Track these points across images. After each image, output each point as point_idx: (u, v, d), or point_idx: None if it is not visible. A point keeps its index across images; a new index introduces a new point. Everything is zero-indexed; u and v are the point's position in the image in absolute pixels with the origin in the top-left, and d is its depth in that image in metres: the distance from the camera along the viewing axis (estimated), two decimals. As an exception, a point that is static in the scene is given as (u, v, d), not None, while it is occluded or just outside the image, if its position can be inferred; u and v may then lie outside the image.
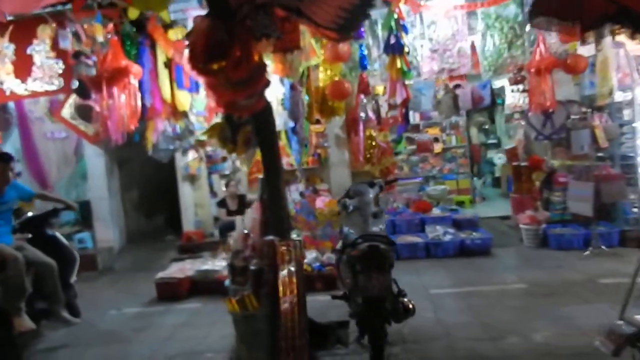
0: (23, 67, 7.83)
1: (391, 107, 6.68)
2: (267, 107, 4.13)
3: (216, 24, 3.53)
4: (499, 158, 12.60)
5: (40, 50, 7.79)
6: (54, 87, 7.81)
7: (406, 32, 6.47)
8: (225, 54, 3.50)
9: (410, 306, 3.53)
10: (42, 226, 5.14)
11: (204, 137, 7.85)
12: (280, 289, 3.93)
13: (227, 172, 8.75)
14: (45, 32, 7.77)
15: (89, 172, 8.68)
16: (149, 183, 9.62)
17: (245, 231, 4.60)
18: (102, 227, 8.23)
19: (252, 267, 4.07)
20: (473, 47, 7.44)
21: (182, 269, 6.21)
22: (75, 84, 6.56)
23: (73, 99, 8.06)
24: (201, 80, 3.74)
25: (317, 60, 5.44)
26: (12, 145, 9.13)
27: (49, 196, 5.41)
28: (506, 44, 7.40)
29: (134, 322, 5.31)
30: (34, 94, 8.03)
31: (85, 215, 8.68)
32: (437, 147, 9.67)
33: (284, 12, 3.63)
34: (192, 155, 8.07)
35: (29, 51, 7.78)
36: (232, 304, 3.95)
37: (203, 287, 5.99)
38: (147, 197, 9.69)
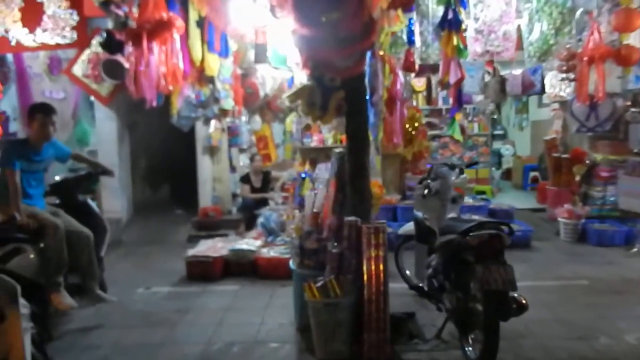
0: (32, 15, 7.09)
1: (443, 86, 6.28)
2: (362, 72, 3.71)
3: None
4: (506, 149, 12.44)
5: (52, -1, 7.12)
6: (66, 40, 7.10)
7: (464, 7, 6.07)
8: (341, 5, 3.06)
9: (524, 301, 3.18)
10: (74, 191, 4.59)
11: (229, 107, 7.40)
12: (365, 275, 3.56)
13: (244, 147, 8.25)
14: (59, -22, 7.09)
15: (99, 136, 8.02)
16: (157, 151, 9.03)
17: (315, 210, 4.19)
18: (110, 197, 7.62)
19: (333, 251, 3.66)
20: (519, 30, 7.13)
21: (214, 247, 5.74)
22: (102, 36, 5.94)
23: (87, 54, 7.41)
24: (299, 32, 3.26)
25: (400, 26, 4.99)
26: (9, 102, 8.35)
27: (86, 158, 4.83)
28: (554, 30, 7.09)
29: (170, 302, 4.83)
30: (43, 46, 7.30)
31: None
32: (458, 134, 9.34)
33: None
34: (214, 125, 7.52)
35: (38, -1, 7.10)
36: (311, 291, 3.54)
37: (237, 267, 5.54)
38: (155, 166, 9.09)
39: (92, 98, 10.65)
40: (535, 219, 7.63)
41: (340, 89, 3.57)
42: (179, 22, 5.46)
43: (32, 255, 3.79)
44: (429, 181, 4.08)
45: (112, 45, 5.96)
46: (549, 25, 7.11)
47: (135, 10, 5.88)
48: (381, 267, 3.52)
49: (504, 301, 3.02)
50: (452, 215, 4.10)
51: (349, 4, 3.06)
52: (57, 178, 4.73)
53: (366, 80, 4.89)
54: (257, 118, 9.18)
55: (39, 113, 4.11)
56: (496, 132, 13.11)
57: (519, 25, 7.16)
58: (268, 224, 6.17)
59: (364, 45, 3.35)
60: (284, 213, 6.42)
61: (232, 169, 7.98)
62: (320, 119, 3.72)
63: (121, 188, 7.82)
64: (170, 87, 5.49)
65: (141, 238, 7.38)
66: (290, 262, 4.18)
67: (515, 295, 3.18)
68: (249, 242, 5.80)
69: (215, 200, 7.71)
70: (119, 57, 6.02)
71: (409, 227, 4.65)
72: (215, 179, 7.73)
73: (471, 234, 3.18)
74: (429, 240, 4.05)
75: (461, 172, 4.31)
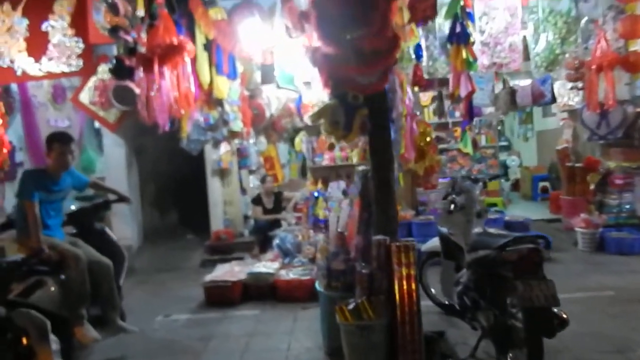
0: (37, 44, 7.07)
1: (452, 99, 6.25)
2: (384, 89, 3.68)
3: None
4: (512, 160, 12.40)
5: (57, 27, 7.10)
6: (72, 68, 7.07)
7: (472, 21, 6.08)
8: (366, 21, 3.03)
9: (565, 316, 3.10)
10: (91, 219, 4.51)
11: (237, 129, 7.35)
12: (397, 295, 3.47)
13: (253, 168, 8.20)
14: (63, 7, 7.08)
15: (107, 163, 7.96)
16: (165, 176, 8.96)
17: (340, 230, 4.12)
18: (120, 224, 7.53)
19: (363, 271, 3.58)
20: (524, 41, 7.14)
21: (231, 271, 5.64)
22: (112, 62, 5.90)
23: (93, 81, 7.38)
24: (321, 51, 3.22)
25: (415, 40, 4.98)
26: (14, 132, 8.31)
27: (103, 186, 4.77)
28: (560, 39, 7.10)
29: (191, 330, 4.72)
30: (49, 75, 7.27)
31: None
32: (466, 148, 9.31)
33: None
34: (224, 148, 7.47)
35: (44, 27, 7.03)
36: (343, 313, 3.44)
37: (255, 291, 5.44)
38: (163, 191, 9.02)
39: (98, 125, 10.66)
40: (551, 230, 7.55)
41: (363, 107, 3.52)
42: (190, 46, 5.45)
43: (53, 288, 3.70)
44: (454, 196, 4.01)
45: (121, 71, 5.96)
46: (554, 35, 7.13)
47: (143, 36, 5.90)
48: (413, 286, 3.44)
49: (548, 318, 2.93)
50: (477, 230, 4.03)
51: (374, 20, 3.03)
52: (73, 207, 4.65)
53: (386, 97, 4.87)
54: (262, 139, 9.15)
55: (57, 142, 4.05)
56: (500, 144, 13.08)
57: (524, 36, 7.18)
58: (284, 245, 6.09)
59: (387, 61, 3.31)
60: (299, 234, 6.35)
61: (243, 190, 7.91)
62: (344, 138, 3.65)
63: (131, 214, 7.74)
64: (182, 111, 5.47)
65: (154, 265, 7.28)
66: (316, 284, 4.10)
67: (556, 310, 3.10)
68: (267, 265, 5.71)
69: (226, 223, 7.63)
70: (129, 83, 6.00)
71: (433, 243, 4.58)
72: (226, 201, 7.66)
73: (508, 248, 3.11)
74: (457, 256, 3.98)
75: (485, 185, 4.25)
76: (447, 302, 4.23)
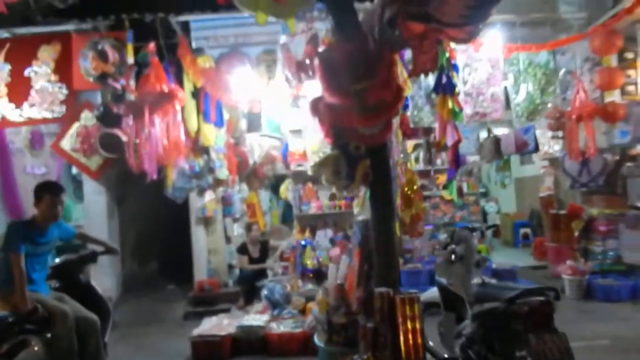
0: (19, 90, 6.97)
1: (438, 148, 6.32)
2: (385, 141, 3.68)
3: (361, 43, 3.09)
4: (490, 207, 12.55)
5: (40, 73, 7.01)
6: (54, 115, 6.99)
7: (457, 72, 6.23)
8: (372, 73, 3.05)
9: (576, 371, 3.04)
10: (76, 272, 4.32)
11: (223, 176, 7.27)
12: (403, 350, 3.37)
13: (237, 216, 8.07)
14: (48, 53, 7.02)
15: (87, 212, 7.73)
16: (145, 225, 8.74)
17: (339, 281, 4.03)
18: (99, 274, 7.20)
19: (368, 325, 3.47)
20: (505, 91, 7.35)
21: (219, 325, 5.43)
22: (99, 110, 5.81)
23: (75, 128, 7.24)
24: (325, 101, 3.22)
25: (408, 92, 5.04)
26: (-15, 179, 8.05)
27: (90, 237, 4.57)
28: (539, 90, 7.33)
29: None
30: (30, 121, 7.17)
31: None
32: (448, 194, 9.39)
33: (411, 21, 3.23)
34: (208, 196, 7.35)
35: (27, 73, 6.97)
36: (348, 370, 3.32)
37: (246, 346, 5.22)
38: (142, 241, 8.77)
39: (75, 172, 10.44)
40: (538, 277, 7.56)
41: (366, 157, 3.50)
42: (181, 94, 5.45)
43: (37, 348, 3.51)
44: (453, 246, 3.98)
45: (109, 118, 5.89)
46: (534, 85, 7.37)
47: (132, 83, 5.87)
48: (419, 340, 3.35)
49: (563, 373, 2.87)
50: (477, 280, 3.99)
51: (380, 72, 3.05)
52: (57, 260, 4.44)
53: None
54: (244, 186, 9.08)
55: (47, 193, 3.90)
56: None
57: (505, 87, 7.40)
58: (272, 297, 5.92)
59: (391, 113, 3.34)
60: (288, 284, 6.21)
61: (227, 239, 7.75)
62: (346, 189, 3.62)
63: (110, 264, 7.46)
64: (172, 160, 5.40)
65: (135, 318, 6.97)
66: (315, 338, 3.96)
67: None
68: (256, 317, 5.53)
69: (210, 273, 7.42)
70: (116, 130, 5.91)
71: (431, 293, 4.50)
72: (210, 250, 7.48)
73: (518, 301, 3.07)
74: (457, 307, 3.92)
75: (482, 234, 4.24)
76: (446, 356, 4.13)
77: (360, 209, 3.70)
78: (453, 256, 3.89)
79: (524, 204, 11.01)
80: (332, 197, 5.33)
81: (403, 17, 3.17)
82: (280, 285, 6.09)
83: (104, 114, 5.75)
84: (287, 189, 7.86)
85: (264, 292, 6.03)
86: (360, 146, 3.52)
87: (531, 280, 7.13)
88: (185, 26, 6.75)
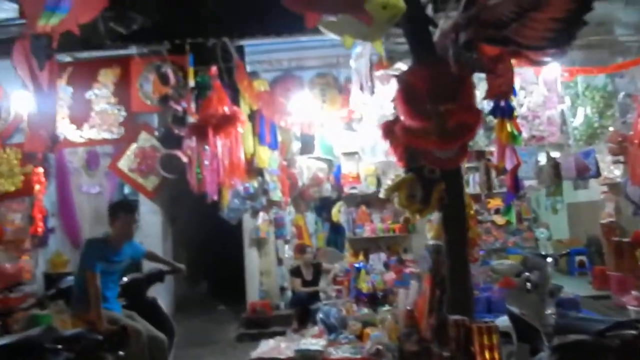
0: (80, 112, 7.23)
1: (498, 172, 6.21)
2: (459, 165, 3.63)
3: (443, 66, 3.07)
4: (541, 233, 12.21)
5: (100, 96, 7.24)
6: (113, 136, 7.21)
7: (515, 95, 6.15)
8: (455, 95, 3.02)
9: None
10: (143, 291, 4.37)
11: (276, 198, 7.32)
12: (481, 382, 3.26)
13: (288, 237, 8.07)
14: (108, 77, 7.25)
15: (143, 231, 7.84)
16: (196, 245, 8.83)
17: (409, 307, 3.95)
18: (153, 293, 7.30)
19: (443, 354, 3.38)
20: (562, 115, 7.20)
21: (277, 348, 5.37)
22: (160, 131, 5.95)
23: (133, 149, 7.41)
24: (404, 124, 3.19)
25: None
26: (48, 197, 8.29)
27: (158, 256, 4.64)
28: (597, 113, 7.16)
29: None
30: (90, 142, 7.41)
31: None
32: (500, 219, 9.20)
33: (488, 44, 3.20)
34: (262, 217, 7.38)
35: (88, 96, 7.23)
36: (423, 400, 3.23)
37: (304, 369, 5.15)
38: (194, 261, 8.84)
39: (127, 191, 10.68)
40: (602, 308, 7.26)
41: (440, 181, 3.45)
42: (243, 116, 5.52)
43: (110, 366, 3.52)
44: (527, 274, 3.86)
45: (169, 139, 6.01)
46: (592, 109, 7.20)
47: (193, 106, 5.99)
48: (497, 372, 3.24)
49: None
50: (550, 310, 3.86)
51: (464, 94, 3.03)
52: (125, 278, 4.51)
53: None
54: (291, 208, 9.11)
55: (123, 211, 3.98)
56: (525, 216, 12.92)
57: (562, 110, 7.26)
58: (328, 320, 5.83)
59: (469, 136, 3.30)
60: (343, 308, 6.13)
61: (279, 261, 7.74)
62: (420, 212, 3.57)
63: (165, 285, 7.52)
64: (233, 182, 5.45)
65: (188, 338, 6.96)
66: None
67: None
68: (313, 342, 5.45)
69: (262, 295, 7.41)
70: (176, 152, 6.02)
71: (501, 322, 4.36)
72: (262, 272, 7.48)
73: (608, 334, 2.94)
74: (531, 338, 3.78)
75: (556, 262, 4.11)
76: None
77: (435, 234, 3.63)
78: (529, 284, 3.77)
79: (578, 230, 10.66)
80: (406, 221, 5.26)
81: (480, 41, 3.16)
82: (336, 309, 6.01)
83: (165, 135, 5.87)
84: (338, 212, 7.83)
85: (320, 315, 5.95)
86: (435, 170, 3.47)
87: (593, 310, 6.85)
88: (240, 50, 6.90)
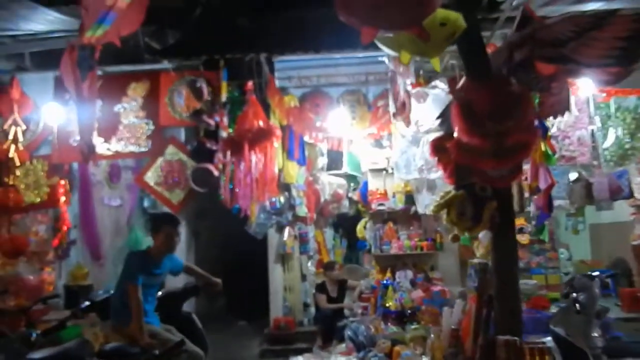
0: (109, 125, 7.23)
1: (531, 192, 6.15)
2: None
3: (503, 84, 3.05)
4: (561, 253, 12.06)
5: (129, 109, 7.26)
6: (141, 149, 7.19)
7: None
8: (514, 114, 2.99)
9: None
10: (179, 304, 4.32)
11: (302, 213, 7.28)
12: (533, 405, 3.19)
13: (311, 253, 8.02)
14: (136, 91, 7.27)
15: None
16: (217, 260, 8.77)
17: (453, 327, 3.88)
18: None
19: (494, 375, 3.31)
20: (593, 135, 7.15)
21: (306, 365, 5.32)
22: (192, 145, 5.94)
23: (159, 163, 7.41)
24: (460, 141, 3.15)
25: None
26: (71, 209, 8.29)
27: (196, 270, 4.60)
28: (629, 134, 7.10)
29: None
30: (117, 155, 7.40)
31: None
32: (524, 239, 9.08)
33: (545, 63, 3.17)
34: (287, 232, 7.34)
35: (116, 109, 7.25)
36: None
37: (334, 388, 5.08)
38: (214, 275, 8.79)
39: (146, 205, 10.68)
40: (632, 330, 7.13)
41: (492, 199, 3.41)
42: (279, 131, 5.51)
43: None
44: (575, 294, 3.79)
45: (202, 154, 5.99)
46: (623, 130, 7.14)
47: (225, 120, 5.99)
48: (550, 395, 3.16)
49: None
50: (597, 332, 3.78)
51: (524, 113, 2.99)
52: (160, 292, 4.47)
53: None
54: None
55: (166, 225, 3.97)
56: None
57: (592, 130, 7.20)
58: (356, 338, 5.76)
59: (525, 155, 3.26)
60: (371, 325, 6.05)
61: (303, 277, 7.68)
62: (470, 230, 3.53)
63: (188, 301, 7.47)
64: (268, 196, 5.42)
65: (211, 353, 6.89)
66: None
67: None
68: (346, 359, 5.38)
69: (285, 311, 7.34)
70: (209, 166, 5.99)
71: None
72: (286, 288, 7.42)
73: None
74: (577, 360, 3.69)
75: (602, 284, 4.03)
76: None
77: (484, 252, 3.58)
78: (578, 306, 3.69)
79: (601, 251, 10.50)
80: (455, 239, 5.16)
81: (536, 59, 3.14)
82: (364, 327, 5.93)
83: (197, 149, 5.85)
84: (364, 228, 7.78)
85: (348, 332, 5.88)
86: (487, 188, 3.44)
87: (625, 332, 6.73)
88: (269, 66, 6.91)
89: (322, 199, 8.35)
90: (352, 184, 9.10)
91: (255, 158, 5.13)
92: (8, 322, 5.33)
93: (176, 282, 5.58)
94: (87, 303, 4.41)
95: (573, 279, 3.98)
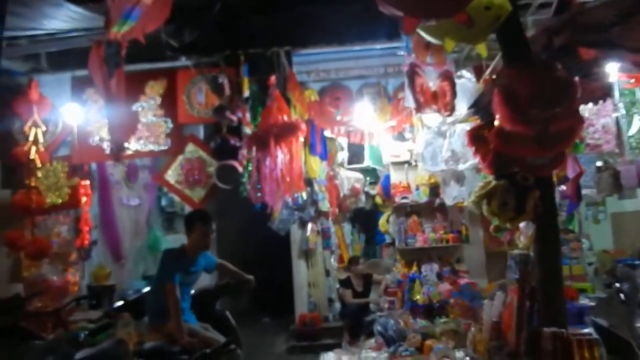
0: (128, 124, 7.20)
1: (559, 180, 6.06)
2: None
3: (547, 70, 2.97)
4: (582, 243, 11.93)
5: (147, 108, 7.22)
6: (160, 148, 7.16)
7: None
8: (561, 101, 2.91)
9: None
10: (213, 302, 4.28)
11: (325, 208, 7.23)
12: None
13: (333, 248, 7.97)
14: (154, 89, 7.23)
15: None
16: (237, 257, 8.72)
17: (494, 319, 3.81)
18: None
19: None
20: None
21: (339, 361, 5.28)
22: (216, 141, 5.87)
23: (179, 161, 7.37)
24: (502, 129, 3.08)
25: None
26: (91, 210, 8.28)
27: (228, 267, 4.56)
28: (652, 123, 6.98)
29: None
30: (137, 154, 7.36)
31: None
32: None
33: (589, 49, 3.09)
34: (310, 228, 7.29)
35: (135, 108, 7.21)
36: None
37: (368, 384, 5.03)
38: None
39: (164, 204, 10.65)
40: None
41: (535, 189, 3.33)
42: (304, 126, 5.45)
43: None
44: (618, 285, 3.71)
45: (225, 150, 5.94)
46: (646, 118, 7.03)
47: (247, 116, 5.93)
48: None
49: None
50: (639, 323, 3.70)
51: (571, 98, 2.92)
52: (193, 291, 4.43)
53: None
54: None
55: (199, 222, 3.92)
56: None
57: (616, 118, 7.09)
58: (386, 333, 5.71)
59: (569, 142, 3.19)
60: (400, 319, 5.99)
61: (326, 272, 7.63)
62: (512, 221, 3.46)
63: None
64: (294, 192, 5.36)
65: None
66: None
67: None
68: (374, 354, 5.33)
69: (310, 307, 7.30)
70: (233, 162, 5.94)
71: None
72: (310, 283, 7.37)
73: None
74: (622, 352, 3.62)
75: (643, 272, 3.94)
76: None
77: (527, 243, 3.51)
78: (622, 295, 3.62)
79: (624, 240, 10.38)
80: (496, 230, 5.08)
81: (578, 45, 3.06)
82: (393, 321, 5.88)
83: (221, 146, 5.79)
84: (386, 222, 7.71)
85: (377, 327, 5.83)
86: (528, 177, 3.36)
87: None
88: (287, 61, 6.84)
89: (341, 194, 8.30)
90: (368, 178, 9.03)
91: (281, 153, 5.05)
92: (38, 324, 5.34)
93: (202, 281, 5.56)
94: (120, 302, 4.38)
95: (616, 268, 3.90)
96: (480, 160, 3.53)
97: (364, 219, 10.40)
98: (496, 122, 3.15)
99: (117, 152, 4.40)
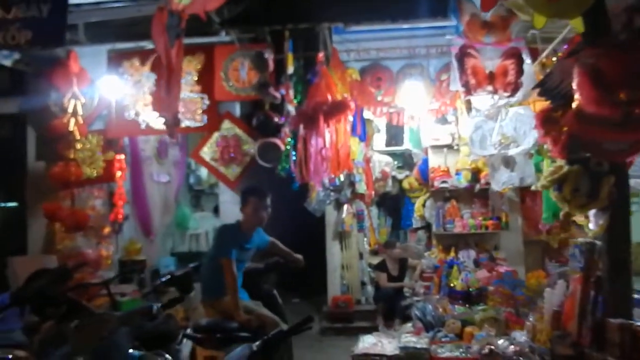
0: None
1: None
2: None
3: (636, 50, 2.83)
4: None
5: (184, 83, 7.11)
6: (196, 124, 7.10)
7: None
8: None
9: None
10: (262, 281, 4.24)
11: (362, 190, 7.14)
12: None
13: (367, 232, 7.89)
14: (191, 64, 7.14)
15: (223, 221, 7.75)
16: (272, 236, 8.72)
17: (555, 308, 3.72)
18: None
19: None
20: None
21: (377, 343, 5.20)
22: (259, 118, 5.79)
23: (215, 138, 7.30)
24: (581, 112, 2.95)
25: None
26: (124, 185, 8.26)
27: (279, 246, 4.50)
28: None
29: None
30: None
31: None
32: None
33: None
34: (346, 210, 7.22)
35: (171, 83, 7.13)
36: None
37: (407, 368, 4.96)
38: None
39: (192, 181, 10.61)
40: None
41: (609, 174, 3.21)
42: (352, 104, 5.34)
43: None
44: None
45: (268, 127, 5.86)
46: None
47: (291, 93, 5.83)
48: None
49: None
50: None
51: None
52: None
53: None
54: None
55: (254, 196, 3.85)
56: (591, 217, 12.48)
57: None
58: (424, 318, 5.64)
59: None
60: (439, 305, 5.92)
61: (360, 255, 7.57)
62: (583, 208, 3.34)
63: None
64: (343, 171, 5.27)
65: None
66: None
67: None
68: (414, 339, 5.26)
69: (343, 289, 7.25)
70: (275, 140, 5.87)
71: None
72: (344, 266, 7.31)
73: None
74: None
75: None
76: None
77: (599, 231, 3.40)
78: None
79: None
80: (567, 216, 4.92)
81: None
82: (431, 306, 5.81)
83: (263, 122, 5.70)
84: (422, 206, 7.61)
85: (415, 312, 5.76)
86: (602, 162, 3.24)
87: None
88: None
89: (373, 177, 8.19)
90: (395, 162, 8.89)
91: (328, 132, 4.95)
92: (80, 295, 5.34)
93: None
94: (167, 277, 4.35)
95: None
96: (551, 143, 3.40)
97: (390, 203, 10.30)
98: (574, 104, 3.02)
99: (173, 125, 4.32)
